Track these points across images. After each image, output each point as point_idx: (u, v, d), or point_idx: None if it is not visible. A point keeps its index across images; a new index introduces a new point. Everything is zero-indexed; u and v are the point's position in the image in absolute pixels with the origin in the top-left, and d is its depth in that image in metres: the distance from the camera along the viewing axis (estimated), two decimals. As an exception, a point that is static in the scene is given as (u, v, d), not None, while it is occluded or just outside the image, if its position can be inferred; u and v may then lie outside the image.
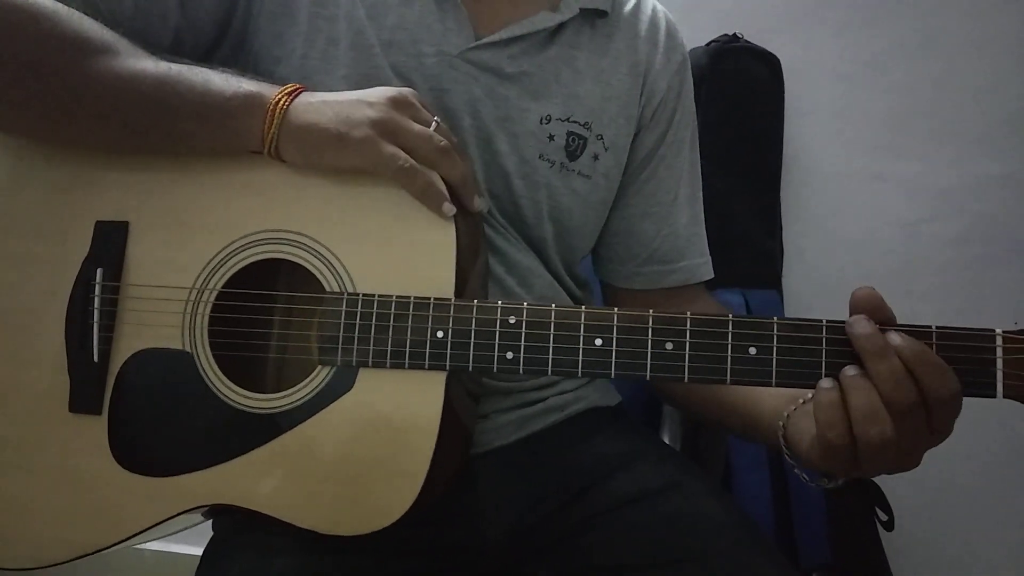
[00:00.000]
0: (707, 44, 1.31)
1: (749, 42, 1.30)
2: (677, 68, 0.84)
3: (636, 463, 0.76)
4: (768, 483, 1.13)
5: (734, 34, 1.31)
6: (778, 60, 1.31)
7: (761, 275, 1.29)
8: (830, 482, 0.62)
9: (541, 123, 0.76)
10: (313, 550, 0.67)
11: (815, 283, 1.36)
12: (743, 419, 0.73)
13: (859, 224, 1.36)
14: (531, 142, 0.76)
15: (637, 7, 0.84)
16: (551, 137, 0.77)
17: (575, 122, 0.77)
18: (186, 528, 0.80)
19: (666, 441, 1.00)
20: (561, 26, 0.78)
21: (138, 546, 0.71)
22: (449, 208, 0.64)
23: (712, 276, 0.87)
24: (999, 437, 1.31)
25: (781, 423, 0.65)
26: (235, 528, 0.72)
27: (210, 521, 0.76)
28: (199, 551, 0.73)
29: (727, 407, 0.75)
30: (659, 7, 0.86)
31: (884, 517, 1.16)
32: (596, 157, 0.79)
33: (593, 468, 0.76)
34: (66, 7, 0.66)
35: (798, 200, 1.36)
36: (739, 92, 1.27)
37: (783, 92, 1.32)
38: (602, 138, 0.79)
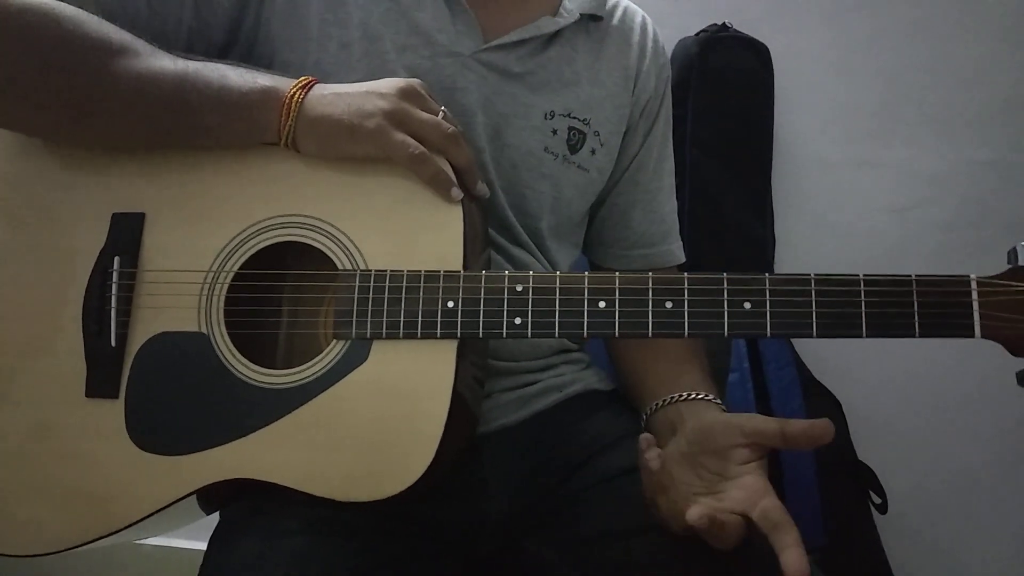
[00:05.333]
0: (696, 34, 1.34)
1: (738, 31, 1.34)
2: (661, 73, 0.92)
3: (629, 441, 0.78)
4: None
5: (723, 23, 1.34)
6: (767, 49, 1.34)
7: (752, 262, 1.30)
8: None
9: (546, 118, 0.82)
10: (320, 532, 0.68)
11: (806, 270, 1.30)
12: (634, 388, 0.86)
13: (849, 210, 1.37)
14: (537, 136, 0.81)
15: (625, 15, 0.90)
16: (554, 131, 0.82)
17: (575, 118, 0.83)
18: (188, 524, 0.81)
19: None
20: (560, 29, 0.84)
21: (138, 541, 0.71)
22: (457, 193, 0.68)
23: (684, 260, 0.94)
24: (994, 424, 1.32)
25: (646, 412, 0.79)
26: (244, 512, 0.73)
27: (213, 514, 0.77)
28: (201, 545, 0.74)
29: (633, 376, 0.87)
30: (646, 16, 0.93)
31: (878, 500, 1.19)
32: (593, 152, 0.84)
33: (588, 445, 0.79)
34: (85, 12, 0.69)
35: (789, 187, 1.37)
36: (729, 81, 1.30)
37: (773, 80, 1.34)
38: (598, 135, 0.85)
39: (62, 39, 0.67)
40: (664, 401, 0.77)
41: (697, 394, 0.76)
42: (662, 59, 0.92)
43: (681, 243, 0.94)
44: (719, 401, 0.76)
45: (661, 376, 0.81)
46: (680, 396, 0.76)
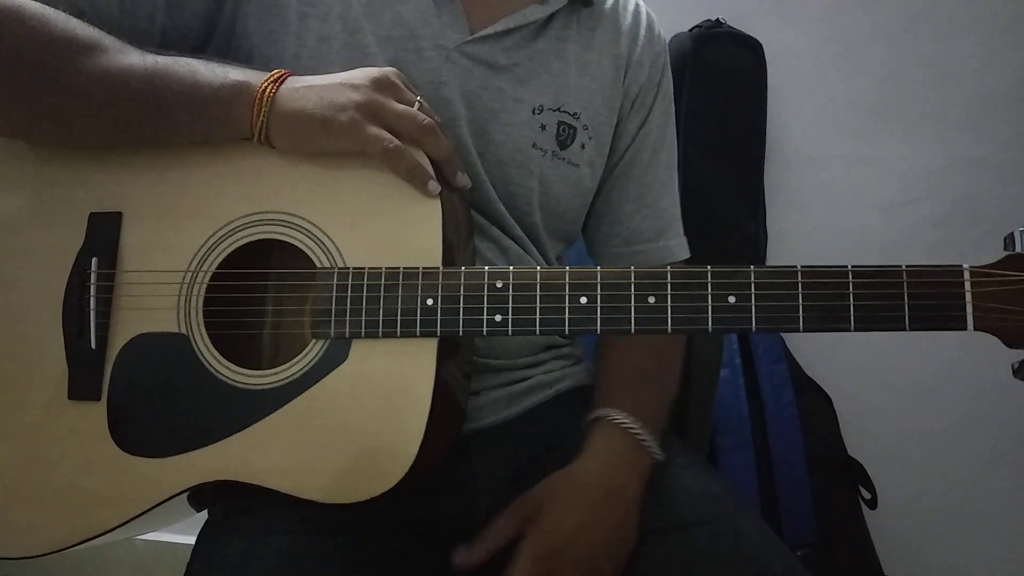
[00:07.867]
0: (690, 30, 1.33)
1: (732, 27, 1.32)
2: (656, 60, 0.87)
3: None
4: (753, 463, 1.15)
5: (717, 19, 1.33)
6: (760, 45, 1.33)
7: (745, 258, 1.30)
8: None
9: (534, 113, 0.79)
10: (309, 531, 0.68)
11: (798, 266, 1.37)
12: None
13: (842, 207, 1.37)
14: (524, 131, 0.78)
15: (618, 2, 0.86)
16: (543, 127, 0.79)
17: (565, 112, 0.80)
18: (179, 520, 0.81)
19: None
20: (550, 18, 0.81)
21: (130, 536, 0.72)
22: (434, 186, 0.66)
23: (688, 256, 0.91)
24: (984, 421, 1.32)
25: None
26: (231, 510, 0.72)
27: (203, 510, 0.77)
28: (192, 540, 0.74)
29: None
30: (640, 3, 0.89)
31: (868, 495, 1.19)
32: (583, 146, 0.81)
33: (578, 443, 0.77)
34: (52, 8, 0.67)
35: (782, 184, 1.37)
36: (722, 77, 1.29)
37: (766, 76, 1.33)
38: (588, 128, 0.82)
39: (26, 37, 0.65)
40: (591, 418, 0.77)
41: (607, 415, 0.76)
42: (657, 47, 0.87)
43: (684, 240, 0.90)
44: (627, 425, 0.75)
45: (610, 386, 0.81)
46: (595, 415, 0.77)
